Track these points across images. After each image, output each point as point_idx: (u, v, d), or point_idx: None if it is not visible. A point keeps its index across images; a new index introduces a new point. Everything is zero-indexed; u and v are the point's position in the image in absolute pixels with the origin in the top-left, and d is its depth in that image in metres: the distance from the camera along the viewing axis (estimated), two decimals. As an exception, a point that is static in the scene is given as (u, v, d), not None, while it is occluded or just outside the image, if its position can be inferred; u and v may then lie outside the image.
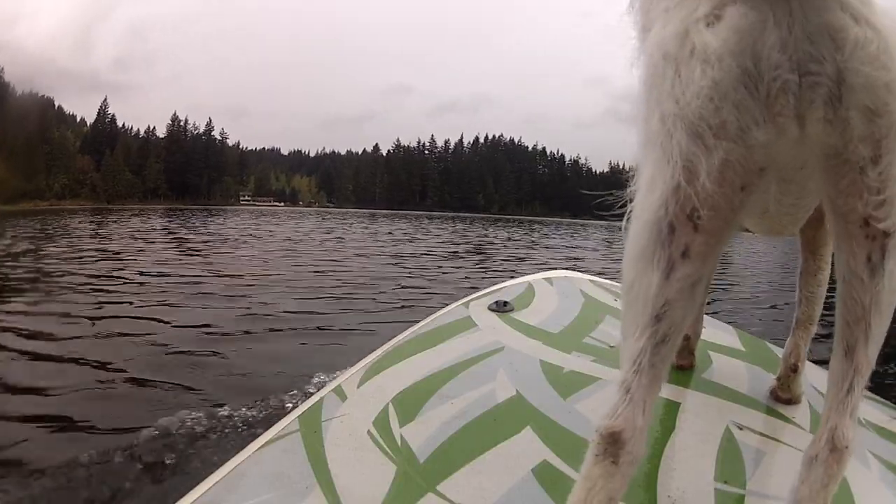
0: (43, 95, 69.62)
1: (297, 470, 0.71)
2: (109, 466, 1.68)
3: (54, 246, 9.50)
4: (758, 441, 0.81)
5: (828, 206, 0.51)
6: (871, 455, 0.79)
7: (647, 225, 0.49)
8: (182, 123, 79.69)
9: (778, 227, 0.78)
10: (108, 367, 2.69)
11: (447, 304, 1.38)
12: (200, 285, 5.45)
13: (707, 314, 1.16)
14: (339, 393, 0.90)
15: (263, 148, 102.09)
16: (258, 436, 0.83)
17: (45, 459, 1.71)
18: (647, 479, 0.71)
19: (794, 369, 0.91)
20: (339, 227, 20.72)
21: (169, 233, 14.59)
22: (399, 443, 0.77)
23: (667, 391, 0.92)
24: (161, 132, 78.83)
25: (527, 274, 1.65)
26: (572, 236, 21.19)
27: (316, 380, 2.24)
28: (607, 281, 1.59)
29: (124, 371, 2.62)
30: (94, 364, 2.73)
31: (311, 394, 1.06)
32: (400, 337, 1.17)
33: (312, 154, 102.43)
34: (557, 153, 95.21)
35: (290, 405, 1.95)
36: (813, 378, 0.98)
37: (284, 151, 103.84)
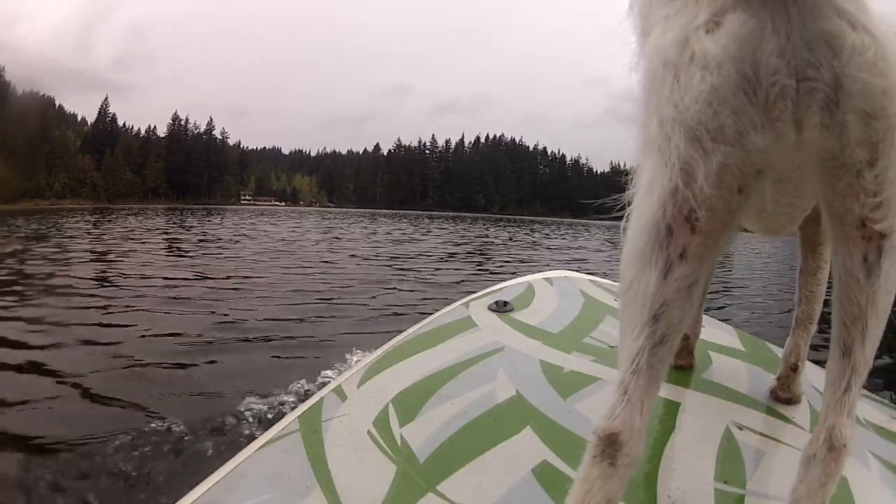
0: (43, 95, 70.01)
1: (297, 470, 0.71)
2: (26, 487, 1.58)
3: (43, 246, 9.23)
4: (758, 441, 0.81)
5: (824, 207, 0.52)
6: (871, 455, 0.79)
7: (646, 226, 0.50)
8: (183, 123, 79.92)
9: (775, 227, 0.78)
10: (65, 379, 2.54)
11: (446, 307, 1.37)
12: (180, 289, 5.23)
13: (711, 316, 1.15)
14: (339, 393, 0.91)
15: (264, 147, 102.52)
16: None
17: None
18: (647, 479, 0.71)
19: (794, 369, 0.92)
20: (338, 227, 20.32)
21: (162, 233, 14.25)
22: (399, 443, 0.77)
23: (667, 391, 0.92)
24: (162, 131, 79.21)
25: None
26: (574, 237, 20.88)
27: (276, 400, 2.09)
28: (607, 281, 1.59)
29: (79, 385, 2.47)
30: (52, 375, 2.61)
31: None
32: (400, 337, 1.17)
33: (313, 154, 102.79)
34: (558, 153, 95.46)
35: (244, 432, 1.84)
36: (813, 378, 0.98)
37: (285, 151, 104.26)
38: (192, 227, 17.32)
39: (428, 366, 0.98)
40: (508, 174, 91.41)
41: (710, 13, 0.46)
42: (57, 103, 72.72)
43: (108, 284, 5.45)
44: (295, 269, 7.02)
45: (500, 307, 1.27)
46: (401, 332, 1.21)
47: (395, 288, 5.71)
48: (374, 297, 5.06)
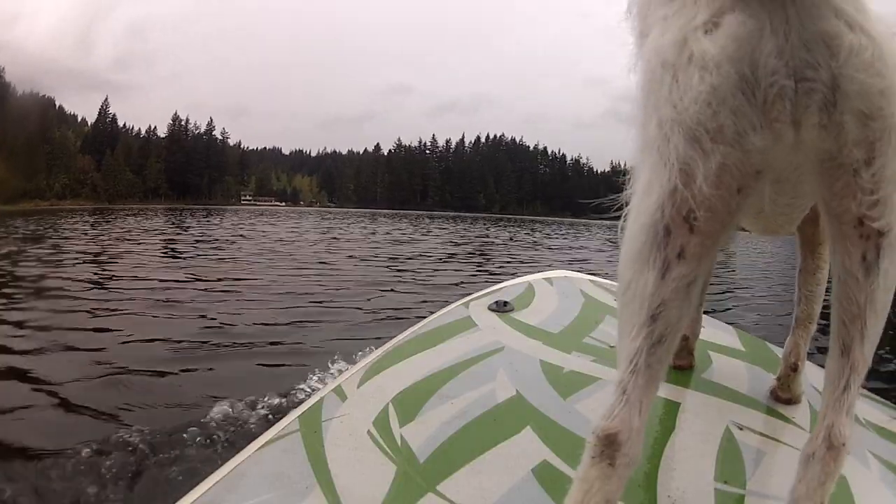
0: (44, 95, 70.18)
1: (297, 470, 0.71)
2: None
3: (39, 248, 9.09)
4: (758, 441, 0.81)
5: (822, 207, 0.52)
6: (871, 455, 0.79)
7: (644, 227, 0.50)
8: (183, 123, 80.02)
9: (773, 227, 0.79)
10: (42, 387, 2.46)
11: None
12: (170, 291, 5.10)
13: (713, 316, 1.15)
14: (339, 393, 0.91)
15: (265, 148, 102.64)
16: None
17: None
18: (647, 479, 0.71)
19: (794, 368, 0.92)
20: (337, 228, 20.11)
21: (159, 233, 14.04)
22: (399, 443, 0.77)
23: (666, 391, 0.92)
24: (162, 132, 79.35)
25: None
26: (575, 237, 20.70)
27: (255, 416, 2.00)
28: (607, 281, 1.59)
29: (55, 394, 2.38)
30: (29, 382, 2.53)
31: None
32: (400, 337, 1.17)
33: (314, 154, 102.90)
34: (558, 153, 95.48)
35: (214, 447, 1.76)
36: (813, 378, 0.98)
37: (286, 151, 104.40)
38: (189, 227, 17.07)
39: (428, 366, 0.98)
40: (509, 174, 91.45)
41: (708, 14, 0.46)
42: (57, 104, 73.09)
43: (98, 287, 5.35)
44: (292, 271, 6.89)
45: (500, 307, 1.27)
46: (399, 334, 1.21)
47: (392, 289, 5.59)
48: (368, 299, 4.90)
